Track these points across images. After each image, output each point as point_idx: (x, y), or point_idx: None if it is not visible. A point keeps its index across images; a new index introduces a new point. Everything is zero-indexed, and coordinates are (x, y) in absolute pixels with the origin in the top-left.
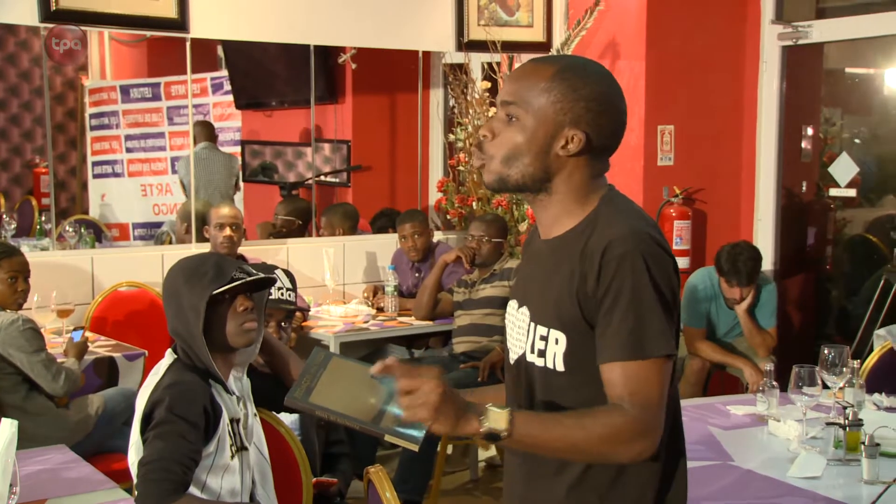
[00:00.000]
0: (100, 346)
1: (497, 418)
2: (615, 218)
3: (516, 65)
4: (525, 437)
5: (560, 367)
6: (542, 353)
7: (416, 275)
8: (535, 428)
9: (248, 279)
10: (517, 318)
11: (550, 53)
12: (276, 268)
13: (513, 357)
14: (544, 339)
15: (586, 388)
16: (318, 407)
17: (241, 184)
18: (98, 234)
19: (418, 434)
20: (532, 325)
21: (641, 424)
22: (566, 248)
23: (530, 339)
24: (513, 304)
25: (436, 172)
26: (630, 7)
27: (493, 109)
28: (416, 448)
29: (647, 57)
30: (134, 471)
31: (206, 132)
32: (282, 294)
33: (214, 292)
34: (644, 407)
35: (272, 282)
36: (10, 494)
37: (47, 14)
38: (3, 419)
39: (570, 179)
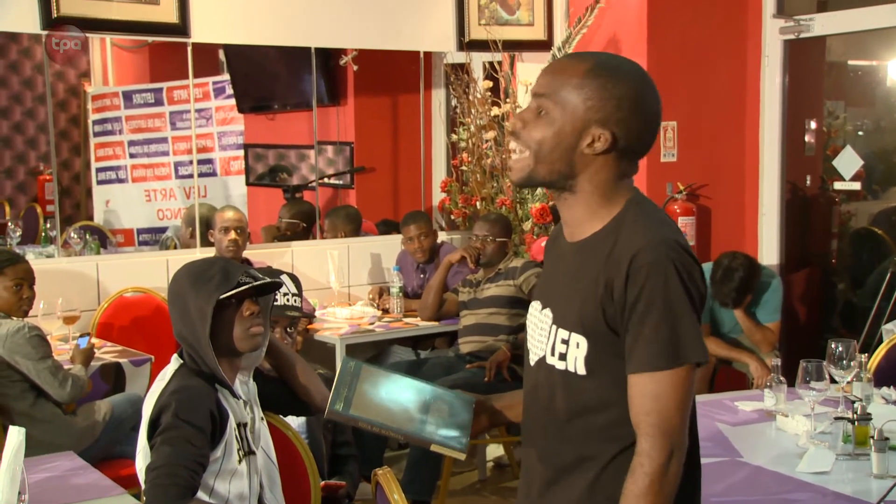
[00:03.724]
0: (106, 352)
1: None
2: (641, 224)
3: (518, 64)
4: None
5: (581, 371)
6: (563, 357)
7: (421, 276)
8: None
9: (255, 283)
10: (540, 319)
11: (552, 52)
12: (282, 272)
13: (533, 359)
14: (565, 342)
15: (608, 390)
16: (360, 419)
17: None
18: (103, 240)
19: (464, 441)
20: (554, 327)
21: (660, 459)
22: (591, 251)
23: (551, 341)
24: (536, 304)
25: (439, 173)
26: (630, 4)
27: (495, 109)
28: (462, 457)
29: (649, 53)
30: (142, 476)
31: None
32: (288, 300)
33: (221, 297)
34: (660, 424)
35: (278, 286)
36: (19, 502)
37: (48, 21)
38: (10, 427)
39: (595, 178)
